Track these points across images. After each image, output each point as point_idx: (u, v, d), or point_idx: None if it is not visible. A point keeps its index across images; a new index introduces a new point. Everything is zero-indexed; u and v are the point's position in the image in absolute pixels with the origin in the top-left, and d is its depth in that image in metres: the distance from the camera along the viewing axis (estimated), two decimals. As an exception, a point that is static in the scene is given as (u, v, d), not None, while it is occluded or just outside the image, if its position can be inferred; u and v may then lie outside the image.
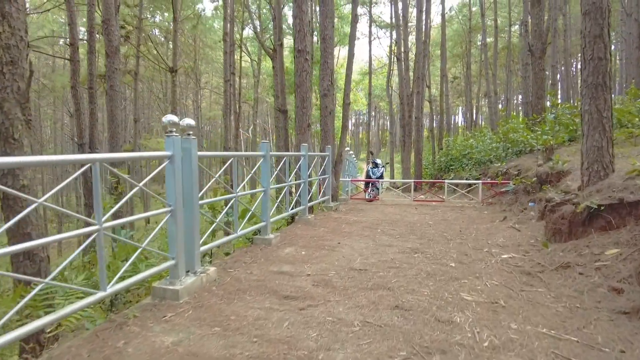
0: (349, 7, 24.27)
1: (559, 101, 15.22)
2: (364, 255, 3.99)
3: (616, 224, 3.44)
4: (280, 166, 5.34)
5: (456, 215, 6.87)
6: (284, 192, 5.42)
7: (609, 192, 3.67)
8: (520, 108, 32.00)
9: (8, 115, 3.09)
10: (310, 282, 3.12)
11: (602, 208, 3.52)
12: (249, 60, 26.44)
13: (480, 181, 8.82)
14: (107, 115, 8.07)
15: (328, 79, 7.71)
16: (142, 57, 15.66)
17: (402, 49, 18.25)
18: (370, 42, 25.53)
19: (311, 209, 6.85)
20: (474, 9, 25.60)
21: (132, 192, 2.53)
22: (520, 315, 2.53)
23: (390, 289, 2.97)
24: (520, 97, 34.52)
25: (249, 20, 19.26)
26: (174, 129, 2.72)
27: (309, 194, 6.24)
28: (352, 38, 9.10)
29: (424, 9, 16.73)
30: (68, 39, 10.42)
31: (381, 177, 10.60)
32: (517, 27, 27.11)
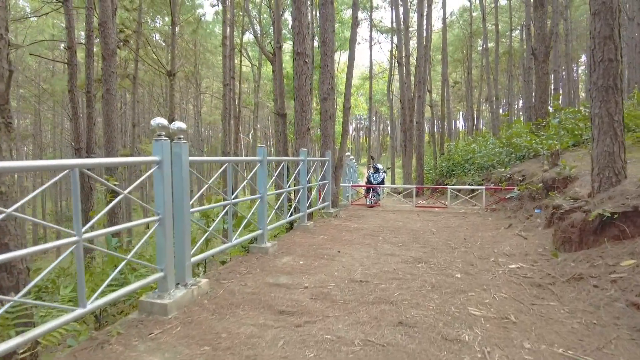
0: (349, 12, 24.26)
1: (561, 106, 15.06)
2: (365, 266, 3.81)
3: (631, 233, 3.27)
4: (278, 171, 5.17)
5: (460, 222, 6.69)
6: (282, 198, 5.25)
7: (622, 200, 3.49)
8: (520, 113, 31.89)
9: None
10: (308, 296, 2.94)
11: (616, 216, 3.35)
12: (250, 65, 26.40)
13: (483, 187, 8.65)
14: (103, 120, 7.93)
15: (328, 82, 7.57)
16: (141, 61, 15.58)
17: (403, 53, 18.18)
18: (370, 46, 25.51)
19: (310, 216, 6.68)
20: (474, 13, 25.58)
21: (116, 200, 2.37)
22: (533, 332, 2.35)
23: (393, 303, 2.79)
24: (521, 101, 34.48)
25: (249, 25, 19.21)
26: (163, 133, 2.57)
27: (308, 200, 6.07)
28: (352, 41, 8.99)
29: (424, 13, 16.65)
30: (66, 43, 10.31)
31: (382, 182, 10.42)
32: (518, 32, 27.11)
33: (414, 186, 9.43)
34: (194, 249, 3.06)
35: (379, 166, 10.83)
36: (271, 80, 21.22)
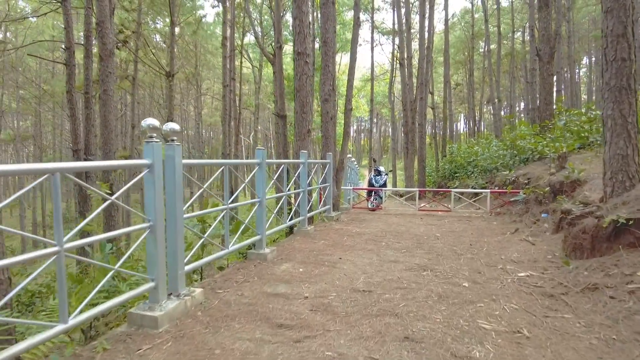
0: (350, 13, 24.17)
1: (564, 107, 14.89)
2: (368, 273, 3.65)
3: (647, 240, 3.11)
4: (277, 174, 5.01)
5: (464, 226, 6.52)
6: (281, 201, 5.09)
7: (638, 205, 3.33)
8: (522, 115, 31.70)
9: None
10: (307, 307, 2.78)
11: (631, 222, 3.19)
12: (250, 66, 26.28)
13: (487, 190, 8.48)
14: (100, 121, 7.78)
15: (329, 83, 7.42)
16: (141, 62, 15.47)
17: (405, 55, 18.05)
18: (372, 48, 25.36)
19: (311, 220, 6.52)
20: (476, 15, 25.44)
21: (103, 206, 2.22)
22: (549, 349, 2.19)
23: (398, 315, 2.63)
24: (522, 103, 34.28)
25: (250, 26, 19.10)
26: (155, 134, 2.42)
27: (308, 204, 5.91)
28: (354, 42, 8.85)
29: (426, 14, 16.53)
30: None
31: (384, 185, 10.25)
32: (520, 33, 26.97)
33: (417, 189, 9.27)
34: (188, 257, 2.91)
35: (381, 168, 10.66)
36: (272, 82, 21.09)
